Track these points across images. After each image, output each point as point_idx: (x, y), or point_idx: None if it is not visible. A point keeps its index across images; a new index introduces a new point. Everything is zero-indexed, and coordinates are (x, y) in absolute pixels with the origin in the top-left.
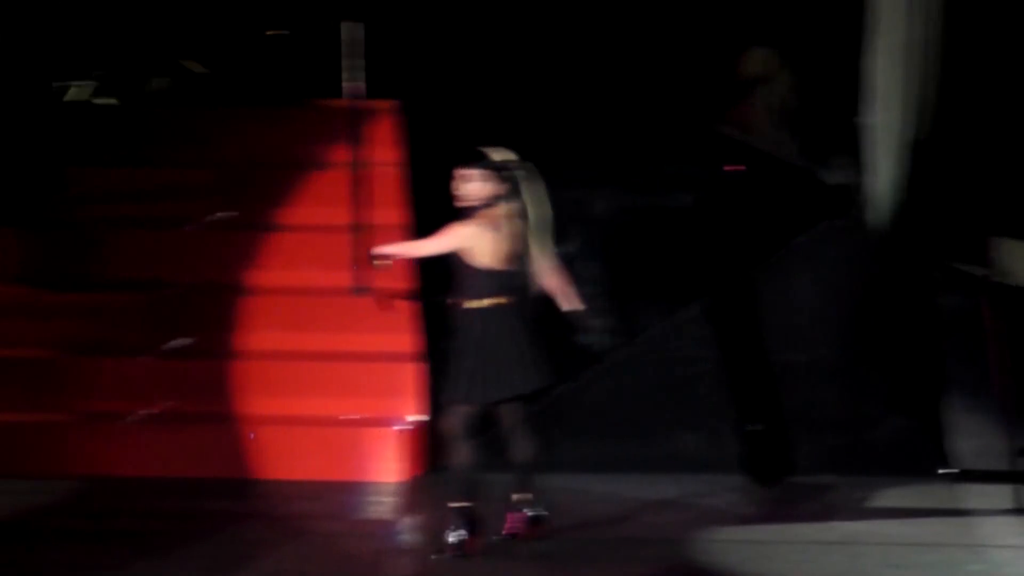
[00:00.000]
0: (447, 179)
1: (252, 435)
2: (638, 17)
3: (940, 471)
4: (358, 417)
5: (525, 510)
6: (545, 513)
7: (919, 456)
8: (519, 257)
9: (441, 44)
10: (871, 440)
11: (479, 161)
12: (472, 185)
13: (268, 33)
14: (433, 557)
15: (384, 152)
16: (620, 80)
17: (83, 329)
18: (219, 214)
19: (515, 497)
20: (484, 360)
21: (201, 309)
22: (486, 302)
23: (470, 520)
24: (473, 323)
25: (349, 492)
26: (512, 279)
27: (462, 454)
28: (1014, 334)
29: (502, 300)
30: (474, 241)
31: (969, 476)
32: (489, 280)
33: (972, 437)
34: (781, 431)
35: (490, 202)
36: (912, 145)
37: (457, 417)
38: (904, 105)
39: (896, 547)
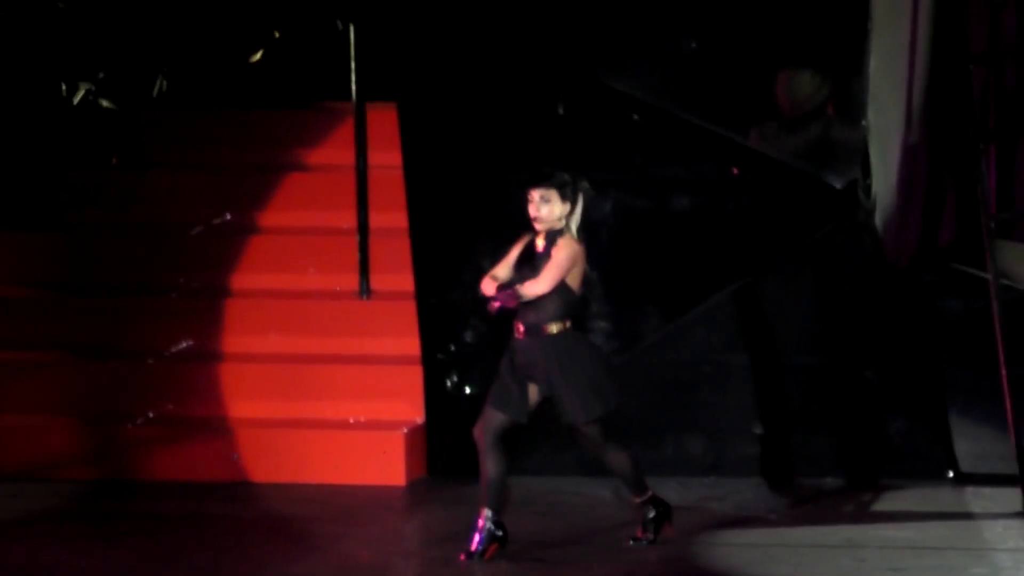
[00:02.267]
0: (446, 182)
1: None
2: (637, 17)
3: (945, 474)
4: (362, 420)
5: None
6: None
7: (923, 459)
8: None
9: (439, 45)
10: (875, 443)
11: (550, 180)
12: (552, 206)
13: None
14: (462, 559)
15: (385, 155)
16: (618, 81)
17: (87, 332)
18: (222, 218)
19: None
20: (604, 372)
21: (204, 313)
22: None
23: (495, 527)
24: (579, 342)
25: (353, 496)
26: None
27: (491, 463)
28: (1016, 336)
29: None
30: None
31: (973, 479)
32: (578, 301)
33: (976, 440)
34: (785, 434)
35: (566, 221)
36: (909, 147)
37: (489, 425)
38: (901, 107)
39: (900, 551)
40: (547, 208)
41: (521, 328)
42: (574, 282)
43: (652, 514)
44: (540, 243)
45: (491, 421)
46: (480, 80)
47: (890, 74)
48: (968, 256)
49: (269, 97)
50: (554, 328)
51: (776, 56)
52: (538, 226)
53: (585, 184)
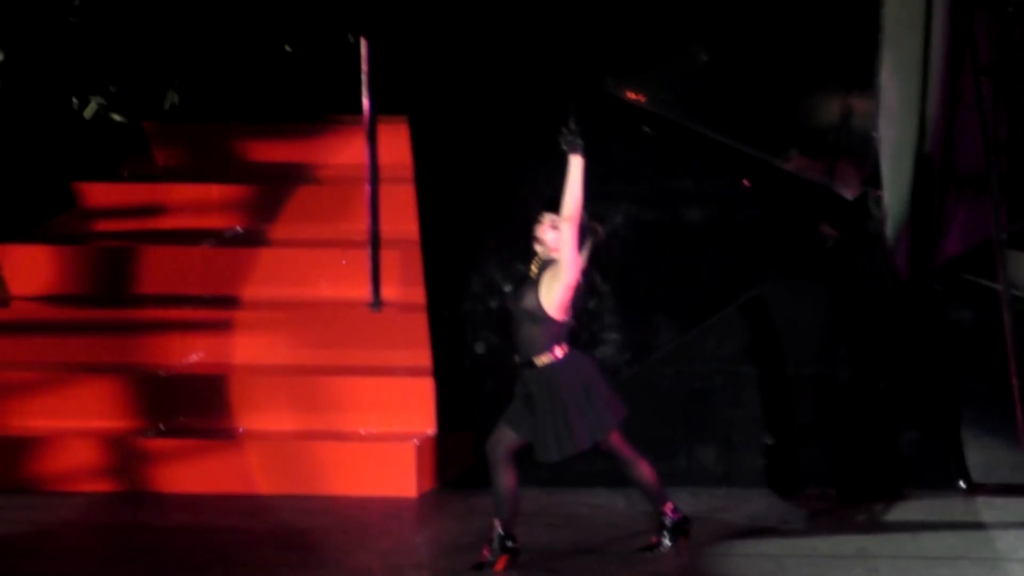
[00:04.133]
0: (458, 194)
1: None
2: (647, 29)
3: (956, 485)
4: (374, 432)
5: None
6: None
7: (935, 470)
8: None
9: (450, 58)
10: (887, 454)
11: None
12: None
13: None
14: (471, 571)
15: (396, 167)
16: (628, 93)
17: (99, 344)
18: (234, 229)
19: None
20: (591, 403)
21: (215, 324)
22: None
23: (507, 538)
24: (568, 374)
25: (364, 507)
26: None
27: (503, 477)
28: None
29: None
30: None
31: (985, 489)
32: (566, 328)
33: (987, 450)
34: (796, 445)
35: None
36: (923, 158)
37: (501, 441)
38: (913, 119)
39: (912, 561)
40: (553, 235)
41: (517, 360)
42: (558, 312)
43: (670, 526)
44: (534, 268)
45: (503, 438)
46: (491, 93)
47: (903, 86)
48: (979, 267)
49: (281, 110)
50: (540, 361)
51: (787, 68)
52: (538, 248)
53: (598, 227)
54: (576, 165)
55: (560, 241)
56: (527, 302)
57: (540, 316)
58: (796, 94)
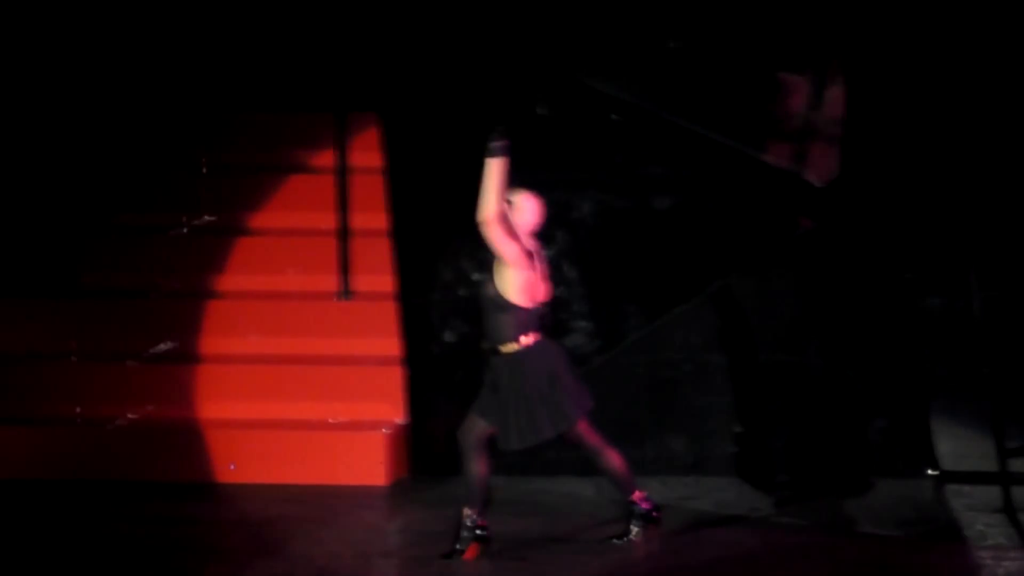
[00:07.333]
0: (428, 184)
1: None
2: (617, 18)
3: (926, 472)
4: (344, 421)
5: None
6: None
7: (904, 457)
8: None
9: (420, 50)
10: (856, 441)
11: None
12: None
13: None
14: (441, 560)
15: (367, 158)
16: (598, 81)
17: (67, 335)
18: (202, 219)
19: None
20: (556, 393)
21: (185, 314)
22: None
23: (477, 527)
24: (533, 362)
25: (335, 496)
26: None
27: (475, 465)
28: (997, 335)
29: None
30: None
31: (954, 477)
32: (532, 315)
33: (957, 438)
34: (766, 433)
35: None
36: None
37: (472, 430)
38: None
39: (881, 548)
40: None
41: (484, 346)
42: (519, 298)
43: (640, 514)
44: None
45: (474, 427)
46: (460, 83)
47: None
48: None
49: (254, 101)
50: (505, 349)
51: (758, 56)
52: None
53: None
54: (492, 168)
55: (493, 243)
56: (489, 289)
57: (502, 303)
58: (766, 82)
